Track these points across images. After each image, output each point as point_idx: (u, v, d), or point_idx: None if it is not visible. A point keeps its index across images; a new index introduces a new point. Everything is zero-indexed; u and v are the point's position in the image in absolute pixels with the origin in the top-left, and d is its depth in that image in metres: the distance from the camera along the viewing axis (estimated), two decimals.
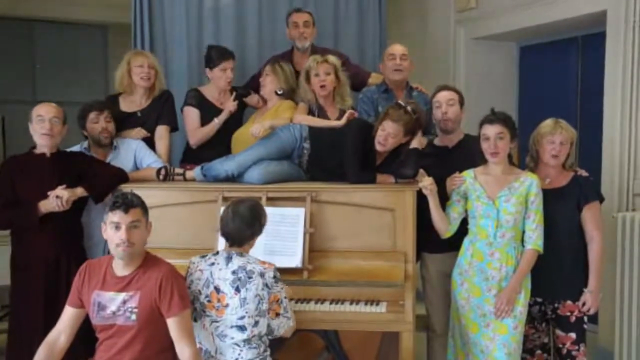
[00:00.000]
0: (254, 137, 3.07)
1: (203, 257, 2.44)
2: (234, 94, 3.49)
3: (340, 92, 3.38)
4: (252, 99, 3.55)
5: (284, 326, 2.43)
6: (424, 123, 3.01)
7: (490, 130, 2.68)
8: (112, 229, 2.23)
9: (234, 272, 2.33)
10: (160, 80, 3.43)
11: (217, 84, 3.48)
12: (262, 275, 2.31)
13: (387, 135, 2.85)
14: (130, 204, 2.23)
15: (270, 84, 3.43)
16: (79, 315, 2.32)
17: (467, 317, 2.74)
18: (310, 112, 3.35)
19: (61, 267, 2.87)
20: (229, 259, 2.36)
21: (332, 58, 3.36)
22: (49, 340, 2.29)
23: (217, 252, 2.43)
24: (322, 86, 3.30)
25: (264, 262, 2.37)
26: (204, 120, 3.45)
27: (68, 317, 2.33)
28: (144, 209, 2.30)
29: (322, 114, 3.36)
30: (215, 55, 3.46)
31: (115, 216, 2.21)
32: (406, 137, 2.89)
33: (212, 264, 2.38)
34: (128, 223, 2.21)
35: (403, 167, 2.87)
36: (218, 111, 3.46)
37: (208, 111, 3.46)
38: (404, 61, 3.41)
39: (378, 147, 2.89)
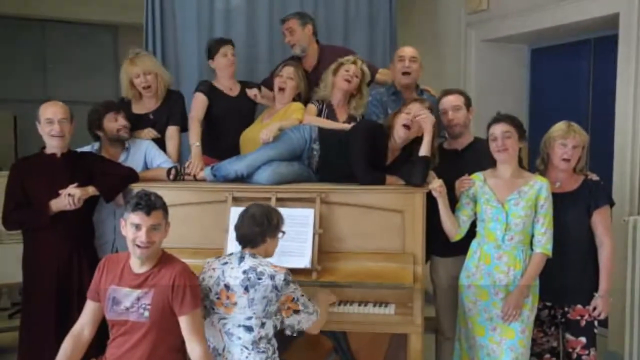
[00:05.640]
0: (263, 142, 3.07)
1: (218, 257, 2.48)
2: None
3: (357, 99, 3.40)
4: (251, 92, 3.56)
5: (307, 321, 2.44)
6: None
7: (497, 128, 2.68)
8: (132, 228, 2.25)
9: (244, 272, 2.34)
10: (164, 79, 3.43)
11: (221, 71, 3.52)
12: (272, 277, 2.32)
13: (413, 117, 2.86)
14: (153, 206, 2.25)
15: (291, 89, 3.43)
16: (100, 309, 2.35)
17: (474, 321, 2.73)
18: (319, 112, 3.36)
19: (73, 265, 2.89)
20: (241, 258, 2.39)
21: (366, 68, 3.39)
22: (74, 333, 2.33)
23: (232, 253, 2.46)
24: (347, 80, 3.31)
25: (275, 266, 2.38)
26: (216, 108, 3.48)
27: (89, 310, 2.36)
28: (165, 211, 2.33)
29: (331, 115, 3.37)
30: (213, 44, 3.53)
31: (137, 217, 2.23)
32: (420, 131, 2.89)
33: (225, 263, 2.41)
34: (149, 225, 2.24)
35: (411, 175, 2.84)
36: (229, 99, 3.51)
37: (220, 99, 3.50)
38: (412, 63, 3.39)
39: (402, 132, 2.88)
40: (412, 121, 2.87)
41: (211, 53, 3.51)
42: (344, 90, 3.34)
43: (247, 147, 3.30)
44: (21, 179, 2.88)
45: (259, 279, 2.31)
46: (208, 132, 3.46)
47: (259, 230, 2.38)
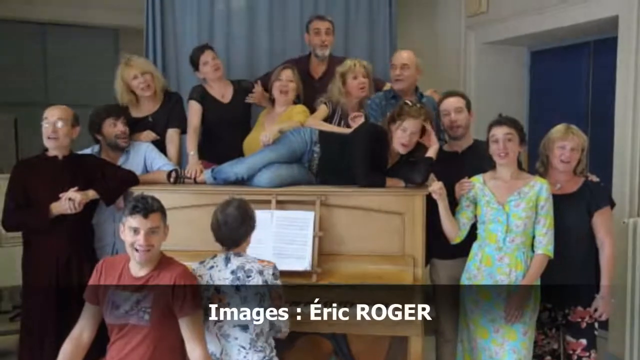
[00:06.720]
0: (263, 145, 3.08)
1: (201, 262, 2.45)
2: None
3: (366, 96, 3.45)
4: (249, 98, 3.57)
5: (286, 324, 2.42)
6: (433, 124, 3.01)
7: (499, 131, 2.68)
8: (130, 232, 2.25)
9: (232, 272, 2.36)
10: (159, 80, 3.43)
11: (209, 79, 3.53)
12: (261, 272, 2.34)
13: (410, 134, 2.86)
14: (150, 208, 2.26)
15: (292, 91, 3.43)
16: (98, 311, 2.35)
17: (477, 323, 2.73)
18: (333, 112, 3.38)
19: (72, 268, 2.88)
20: (227, 259, 2.39)
21: (367, 63, 3.42)
22: (73, 335, 2.34)
23: (215, 255, 2.44)
24: (362, 88, 3.35)
25: (262, 261, 2.39)
26: (208, 114, 3.48)
27: (87, 313, 2.36)
28: (163, 213, 2.33)
29: (344, 114, 3.38)
30: (192, 56, 3.54)
31: (135, 220, 2.24)
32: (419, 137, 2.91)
33: (211, 267, 2.41)
34: (147, 228, 2.24)
35: (413, 173, 2.86)
36: (221, 106, 3.51)
37: (212, 106, 3.50)
38: (404, 71, 3.37)
39: (401, 150, 2.89)
40: (409, 140, 2.87)
41: (194, 64, 3.53)
42: (361, 97, 3.38)
43: (250, 153, 3.29)
44: (23, 180, 2.88)
45: (248, 276, 2.33)
46: (204, 137, 3.47)
47: (243, 231, 2.39)
